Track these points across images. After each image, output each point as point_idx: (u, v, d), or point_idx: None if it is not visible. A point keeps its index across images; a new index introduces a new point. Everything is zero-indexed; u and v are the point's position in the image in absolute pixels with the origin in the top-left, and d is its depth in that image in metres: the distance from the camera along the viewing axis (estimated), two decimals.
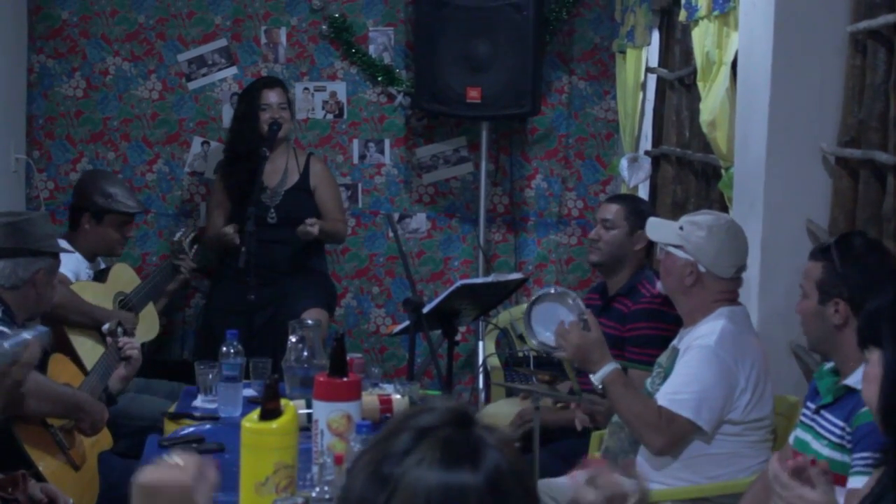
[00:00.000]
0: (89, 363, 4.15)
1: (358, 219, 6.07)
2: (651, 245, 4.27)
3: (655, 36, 5.40)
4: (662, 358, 3.57)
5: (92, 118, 6.01)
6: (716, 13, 4.16)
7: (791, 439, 3.12)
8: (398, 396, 3.55)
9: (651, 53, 5.44)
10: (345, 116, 6.08)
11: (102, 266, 5.06)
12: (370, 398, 3.44)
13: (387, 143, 6.10)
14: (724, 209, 4.19)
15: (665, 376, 3.45)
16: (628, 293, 4.17)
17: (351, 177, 6.09)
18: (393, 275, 6.13)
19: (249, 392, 3.82)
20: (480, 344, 5.75)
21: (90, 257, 4.94)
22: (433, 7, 5.63)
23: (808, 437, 2.99)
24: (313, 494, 2.59)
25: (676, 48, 5.06)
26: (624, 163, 5.47)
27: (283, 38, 6.03)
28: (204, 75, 6.02)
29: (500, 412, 4.40)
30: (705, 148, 4.53)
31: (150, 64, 6.01)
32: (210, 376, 3.81)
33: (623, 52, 5.63)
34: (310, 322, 3.94)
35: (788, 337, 3.72)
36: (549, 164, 6.12)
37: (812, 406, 3.03)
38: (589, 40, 6.06)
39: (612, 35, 5.93)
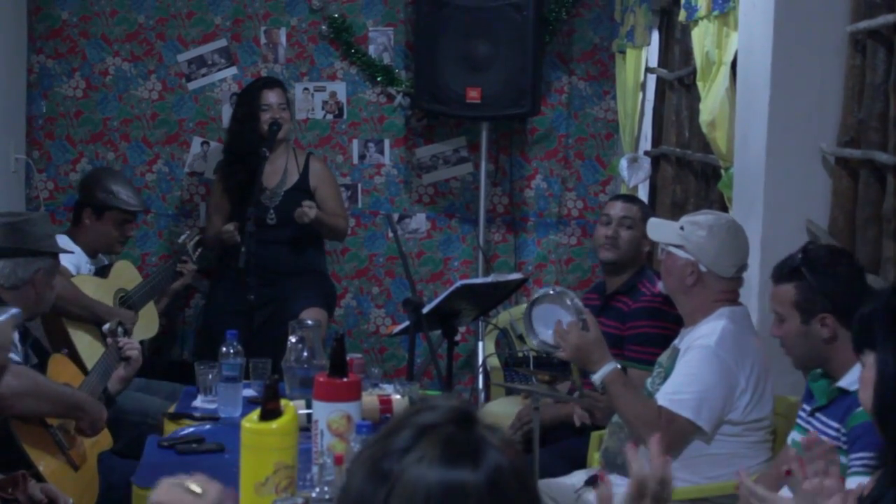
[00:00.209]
0: (87, 359, 4.15)
1: (358, 219, 6.07)
2: (652, 247, 4.28)
3: (655, 36, 5.41)
4: (663, 358, 3.57)
5: (92, 118, 6.01)
6: (715, 13, 4.16)
7: (789, 440, 3.13)
8: (398, 397, 3.55)
9: (651, 53, 5.44)
10: (344, 117, 6.08)
11: (105, 262, 5.07)
12: (370, 398, 3.44)
13: (386, 143, 6.10)
14: (724, 209, 4.19)
15: (665, 376, 3.45)
16: (628, 292, 4.17)
17: (351, 177, 6.09)
18: (393, 275, 6.13)
19: (249, 392, 3.82)
20: (480, 344, 5.75)
21: (91, 254, 4.94)
22: (433, 7, 5.63)
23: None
24: (313, 495, 2.59)
25: (676, 48, 5.06)
26: (624, 163, 5.47)
27: (283, 39, 6.03)
28: (204, 75, 6.02)
29: (500, 412, 4.40)
30: (705, 148, 4.53)
31: (150, 64, 6.01)
32: (210, 376, 3.81)
33: (623, 53, 5.63)
34: (309, 322, 3.94)
35: None
36: (549, 165, 6.12)
37: (808, 408, 3.04)
38: (589, 40, 6.06)
39: (611, 35, 5.93)
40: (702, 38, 4.33)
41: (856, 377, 2.87)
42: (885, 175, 3.37)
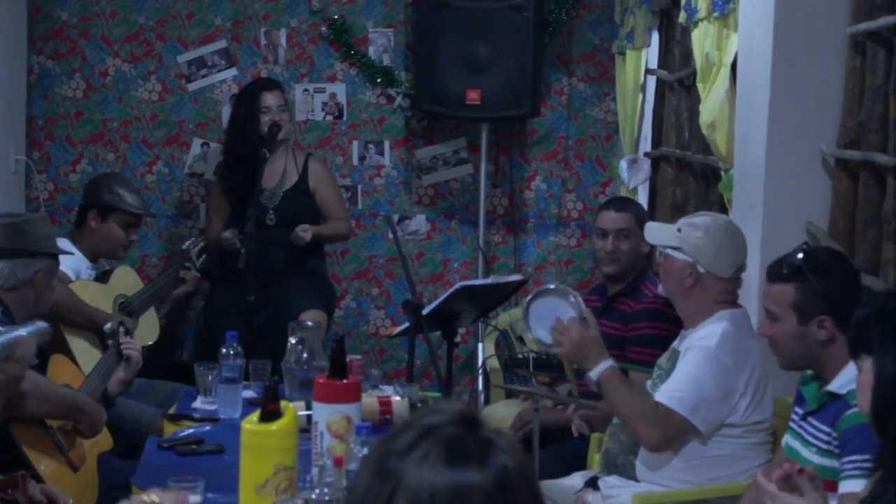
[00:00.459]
0: (84, 365, 4.13)
1: (357, 220, 6.06)
2: (651, 247, 4.27)
3: (655, 37, 5.41)
4: (662, 360, 3.57)
5: (92, 119, 6.01)
6: (715, 15, 4.16)
7: (783, 444, 3.12)
8: (398, 398, 3.55)
9: (651, 55, 5.44)
10: (344, 118, 6.08)
11: (106, 267, 5.05)
12: (370, 400, 3.44)
13: (386, 144, 6.10)
14: (724, 211, 4.19)
15: (665, 378, 3.44)
16: (630, 293, 4.17)
17: (350, 178, 6.09)
18: (392, 276, 6.13)
19: (249, 393, 3.82)
20: (480, 345, 5.75)
21: (92, 258, 4.93)
22: (433, 8, 5.63)
23: (797, 445, 3.00)
24: (313, 496, 2.58)
25: (676, 50, 5.06)
26: (623, 164, 5.47)
27: (283, 40, 6.03)
28: (204, 76, 6.02)
29: (499, 414, 4.40)
30: (705, 149, 4.53)
31: (150, 65, 6.01)
32: (210, 378, 3.81)
33: (622, 54, 5.63)
34: (309, 323, 3.94)
35: None
36: (549, 166, 6.12)
37: (800, 412, 3.04)
38: (588, 42, 6.06)
39: (611, 36, 5.93)
40: (702, 39, 4.33)
41: (846, 380, 2.87)
42: (885, 177, 3.37)
